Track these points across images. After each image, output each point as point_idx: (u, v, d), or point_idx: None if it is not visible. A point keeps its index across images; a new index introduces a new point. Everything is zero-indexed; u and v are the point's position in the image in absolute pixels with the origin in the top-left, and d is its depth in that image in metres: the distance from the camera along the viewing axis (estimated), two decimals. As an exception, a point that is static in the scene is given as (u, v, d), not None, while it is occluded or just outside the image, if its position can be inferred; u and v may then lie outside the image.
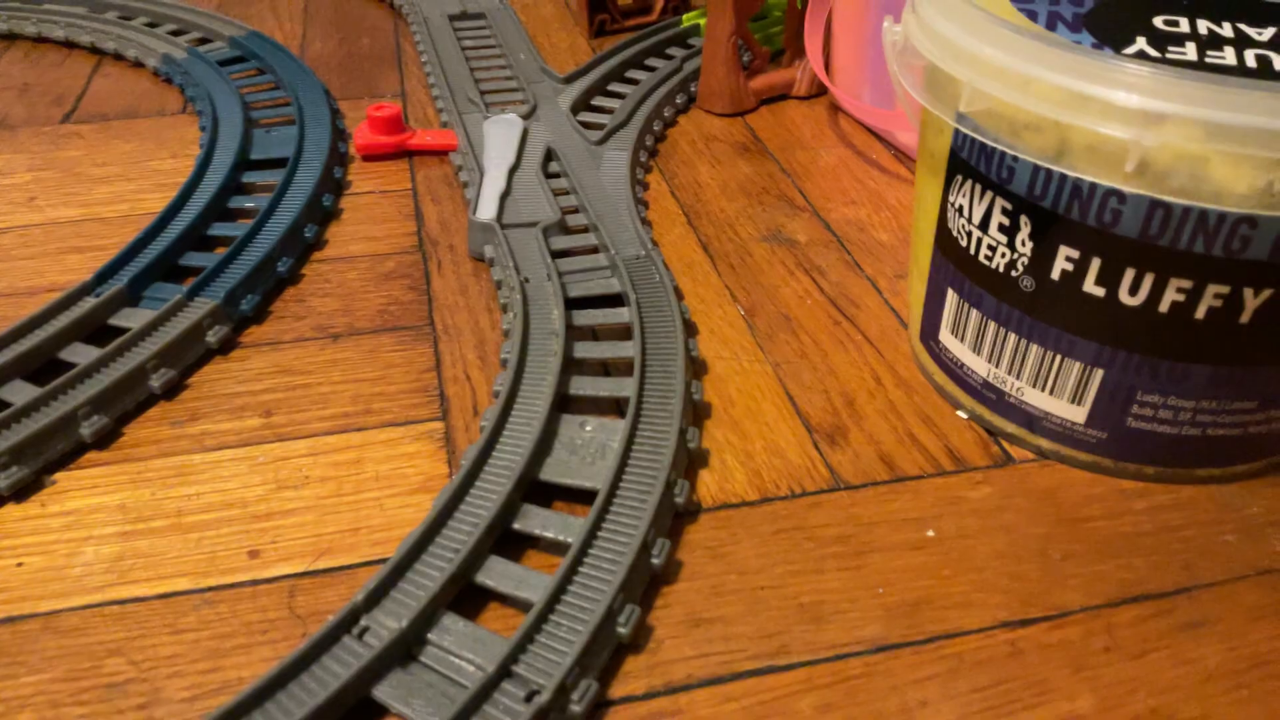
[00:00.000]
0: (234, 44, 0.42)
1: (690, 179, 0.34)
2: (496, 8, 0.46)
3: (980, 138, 0.20)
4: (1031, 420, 0.22)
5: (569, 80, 0.39)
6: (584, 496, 0.22)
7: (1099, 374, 0.21)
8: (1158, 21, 0.19)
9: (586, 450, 0.22)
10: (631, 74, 0.40)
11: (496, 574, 0.19)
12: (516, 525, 0.21)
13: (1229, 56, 0.18)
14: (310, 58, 0.43)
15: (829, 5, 0.37)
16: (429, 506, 0.22)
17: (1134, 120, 0.17)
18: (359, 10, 0.48)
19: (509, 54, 0.41)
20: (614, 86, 0.39)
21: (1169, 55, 0.18)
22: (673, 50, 0.42)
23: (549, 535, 0.20)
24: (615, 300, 0.28)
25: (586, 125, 0.37)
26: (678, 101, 0.38)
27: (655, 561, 0.20)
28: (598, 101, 0.38)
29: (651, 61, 0.41)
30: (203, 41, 0.43)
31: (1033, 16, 0.20)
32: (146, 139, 0.37)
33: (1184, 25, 0.19)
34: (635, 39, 0.41)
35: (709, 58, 0.38)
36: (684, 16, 0.43)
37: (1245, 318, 0.19)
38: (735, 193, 0.34)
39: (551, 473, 0.22)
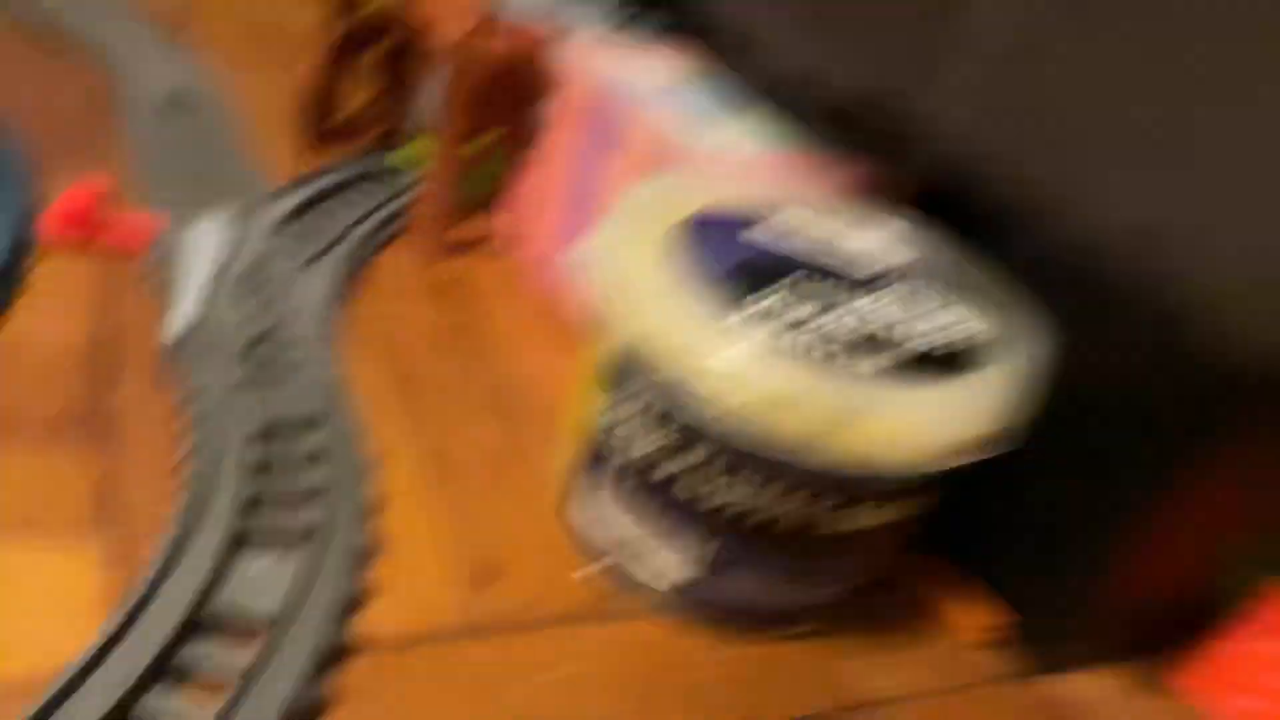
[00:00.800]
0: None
1: (388, 314, 0.37)
2: (212, 97, 0.47)
3: (632, 358, 0.24)
4: (651, 582, 0.27)
5: (280, 194, 0.40)
6: (253, 629, 0.23)
7: (704, 549, 0.26)
8: (764, 295, 0.25)
9: (258, 582, 0.24)
10: (345, 196, 0.42)
11: (157, 710, 0.21)
12: (181, 659, 0.22)
13: (808, 338, 0.24)
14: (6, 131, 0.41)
15: (531, 163, 0.42)
16: (90, 635, 0.22)
17: (731, 377, 0.23)
18: (63, 81, 0.47)
19: (221, 153, 0.42)
20: (326, 206, 0.41)
21: (771, 326, 0.24)
22: (386, 180, 0.45)
23: (214, 670, 0.22)
24: (303, 425, 0.29)
25: (292, 244, 0.38)
26: (384, 234, 0.41)
27: (314, 700, 0.22)
28: (307, 220, 0.40)
29: (365, 187, 0.43)
30: None
31: (684, 272, 0.26)
32: None
33: (784, 303, 0.25)
34: (350, 162, 0.44)
35: (420, 198, 0.41)
36: (398, 152, 0.46)
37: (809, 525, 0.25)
38: (428, 333, 0.37)
39: (221, 605, 0.23)
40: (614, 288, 0.25)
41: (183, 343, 0.30)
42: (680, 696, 0.25)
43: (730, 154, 0.33)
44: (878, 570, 0.29)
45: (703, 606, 0.27)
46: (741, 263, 0.27)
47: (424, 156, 0.43)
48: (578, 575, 0.28)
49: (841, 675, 0.28)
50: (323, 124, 0.47)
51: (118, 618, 0.21)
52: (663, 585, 0.27)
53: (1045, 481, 0.29)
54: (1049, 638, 0.30)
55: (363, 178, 0.44)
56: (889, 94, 0.30)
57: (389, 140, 0.48)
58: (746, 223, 0.29)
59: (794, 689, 0.27)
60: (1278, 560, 0.34)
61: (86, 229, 0.34)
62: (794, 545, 0.25)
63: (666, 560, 0.26)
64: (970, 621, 0.31)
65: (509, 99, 0.40)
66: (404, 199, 0.43)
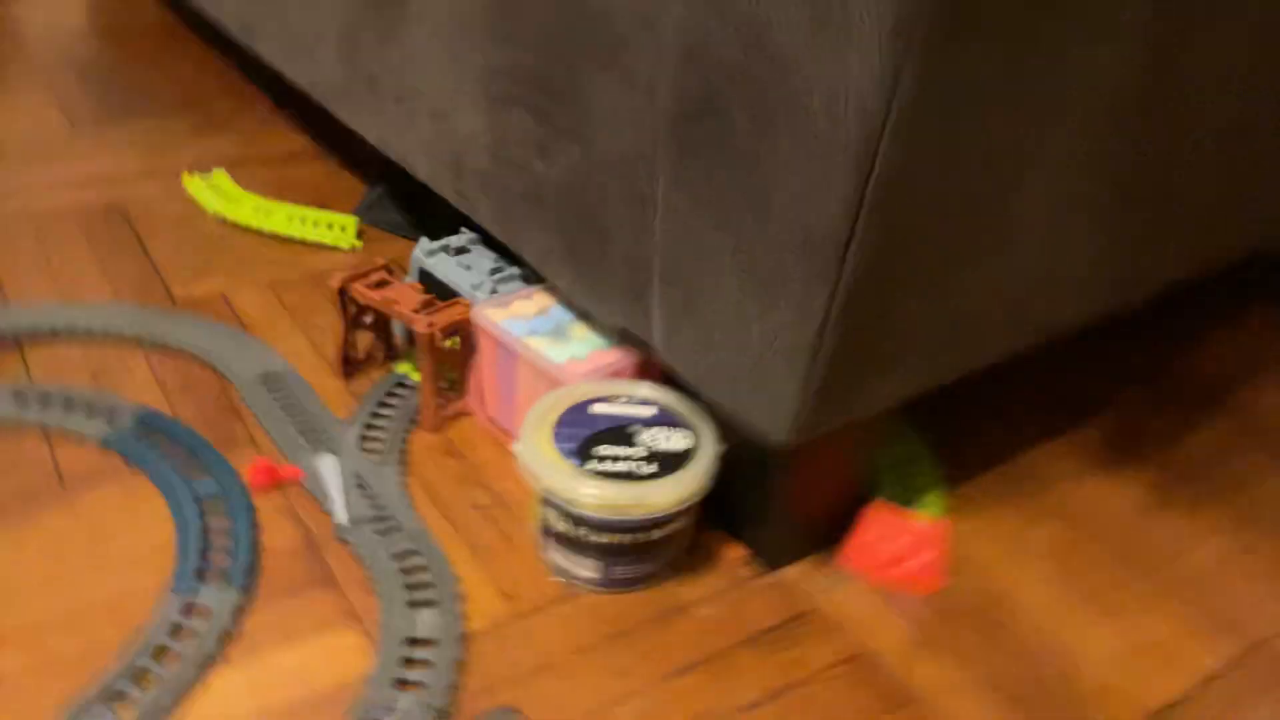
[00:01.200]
0: (140, 421, 0.72)
1: (426, 474, 0.71)
2: (285, 368, 0.80)
3: (545, 493, 0.59)
4: (583, 577, 0.62)
5: (351, 422, 0.74)
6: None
7: (598, 564, 0.60)
8: (597, 449, 0.60)
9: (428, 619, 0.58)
10: (381, 410, 0.75)
11: None
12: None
13: (618, 466, 0.59)
14: (184, 418, 0.74)
15: (474, 368, 0.75)
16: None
17: (587, 496, 0.57)
18: (197, 377, 0.79)
19: (307, 406, 0.75)
20: (375, 420, 0.74)
21: (602, 466, 0.58)
22: (398, 386, 0.78)
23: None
24: (410, 551, 0.63)
25: (368, 451, 0.72)
26: (411, 424, 0.75)
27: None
28: (369, 433, 0.73)
29: (390, 398, 0.77)
30: (111, 418, 0.72)
31: (559, 445, 0.60)
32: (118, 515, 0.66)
33: (606, 451, 0.60)
34: (380, 383, 0.77)
35: (422, 395, 0.74)
36: (400, 365, 0.80)
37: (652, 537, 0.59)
38: (451, 477, 0.70)
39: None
40: (531, 464, 0.59)
41: (343, 527, 0.64)
42: (610, 625, 0.60)
43: (577, 361, 0.67)
44: (685, 545, 0.64)
45: (609, 585, 0.61)
46: (587, 434, 0.61)
47: (415, 369, 0.77)
48: (549, 581, 0.63)
49: (676, 595, 0.63)
50: (350, 365, 0.80)
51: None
52: (588, 578, 0.61)
53: (746, 485, 0.64)
54: (771, 552, 0.65)
55: (389, 392, 0.77)
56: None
57: (390, 360, 0.82)
58: (590, 404, 0.63)
59: (657, 608, 0.62)
60: (878, 484, 0.69)
61: (271, 478, 0.67)
62: (639, 550, 0.60)
63: (584, 568, 0.61)
64: (736, 554, 0.66)
65: (458, 341, 0.74)
66: (414, 397, 0.77)
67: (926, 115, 0.46)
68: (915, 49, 0.43)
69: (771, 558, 0.66)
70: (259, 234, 1.00)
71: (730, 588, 0.64)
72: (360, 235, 1.02)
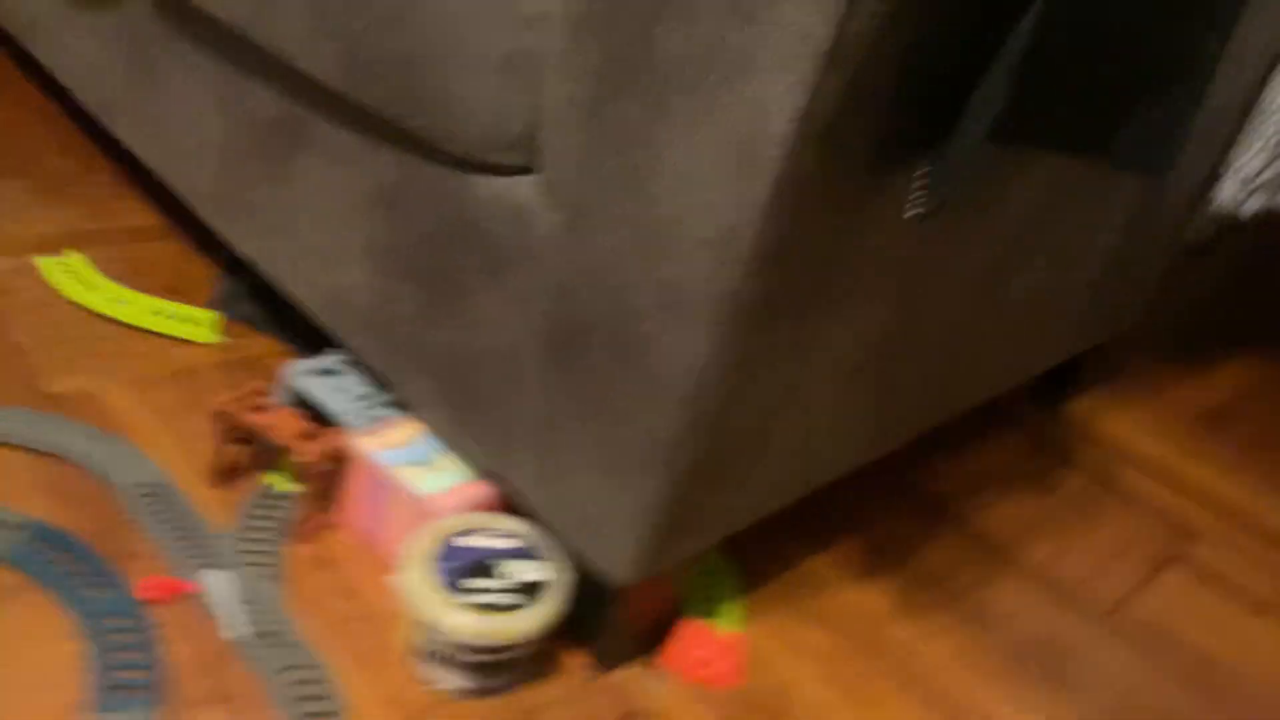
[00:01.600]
0: (35, 535, 0.76)
1: (307, 583, 0.80)
2: (160, 475, 0.86)
3: (419, 617, 0.70)
4: (452, 687, 0.73)
5: (229, 534, 0.82)
6: None
7: (468, 677, 0.72)
8: (467, 581, 0.72)
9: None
10: (255, 521, 0.84)
11: None
12: None
13: (486, 597, 0.71)
14: (70, 529, 0.79)
15: (348, 489, 0.85)
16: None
17: (457, 626, 0.69)
18: (77, 484, 0.84)
19: (186, 515, 0.82)
20: (251, 532, 0.83)
21: (472, 597, 0.70)
22: (271, 495, 0.86)
23: None
24: (308, 663, 0.73)
25: (250, 564, 0.80)
26: (286, 534, 0.83)
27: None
28: (250, 544, 0.81)
29: (261, 508, 0.85)
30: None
31: (435, 578, 0.71)
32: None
33: (475, 583, 0.72)
34: (252, 494, 0.85)
35: (301, 511, 0.83)
36: (267, 475, 0.88)
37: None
38: (325, 584, 0.80)
39: None
40: (410, 595, 0.70)
41: (237, 642, 0.72)
42: (470, 725, 0.72)
43: (443, 493, 0.79)
44: (538, 660, 0.77)
45: (476, 693, 0.73)
46: (458, 566, 0.73)
47: (284, 480, 0.86)
48: (422, 689, 0.74)
49: (532, 699, 0.76)
50: (221, 475, 0.87)
51: (275, 761, 0.65)
52: (457, 688, 0.73)
53: (588, 603, 0.78)
54: (607, 657, 0.79)
55: (260, 500, 0.85)
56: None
57: (258, 468, 0.90)
58: (459, 536, 0.75)
59: (517, 711, 0.74)
60: (688, 598, 0.85)
61: (166, 591, 0.75)
62: (491, 666, 0.72)
63: (453, 680, 0.73)
64: (577, 659, 0.80)
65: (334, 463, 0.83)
66: (284, 508, 0.85)
67: (737, 370, 0.62)
68: (738, 328, 0.59)
69: (607, 662, 0.80)
70: (117, 323, 1.04)
71: (574, 690, 0.77)
72: (219, 327, 1.08)
